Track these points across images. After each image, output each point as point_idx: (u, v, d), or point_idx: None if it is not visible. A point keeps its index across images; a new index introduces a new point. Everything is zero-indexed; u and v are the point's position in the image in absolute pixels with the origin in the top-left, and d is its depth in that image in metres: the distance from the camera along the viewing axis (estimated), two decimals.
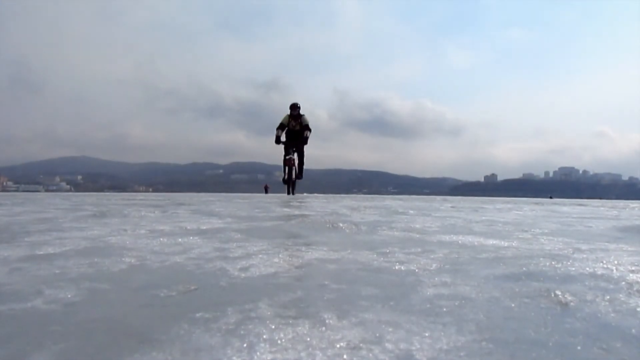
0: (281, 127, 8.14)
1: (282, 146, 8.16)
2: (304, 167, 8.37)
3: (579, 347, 0.48)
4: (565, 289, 0.72)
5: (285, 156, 8.02)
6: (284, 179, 8.11)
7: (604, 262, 0.97)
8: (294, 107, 8.32)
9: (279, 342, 0.48)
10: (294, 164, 8.05)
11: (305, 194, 7.24)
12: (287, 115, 8.19)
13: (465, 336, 0.51)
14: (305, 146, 8.17)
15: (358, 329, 0.52)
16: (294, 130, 8.13)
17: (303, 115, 8.21)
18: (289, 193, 7.98)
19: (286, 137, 8.12)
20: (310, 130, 8.10)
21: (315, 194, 7.14)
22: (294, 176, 8.10)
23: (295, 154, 8.10)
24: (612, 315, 0.60)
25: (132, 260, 0.94)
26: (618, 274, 0.84)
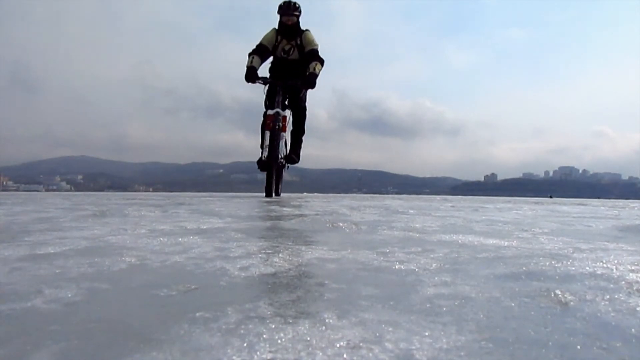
0: (260, 51, 4.24)
1: (262, 91, 4.26)
2: (303, 139, 4.44)
3: (578, 347, 0.48)
4: (565, 289, 0.72)
5: (266, 111, 4.21)
6: (260, 160, 4.21)
7: (604, 261, 0.97)
8: (288, 10, 4.20)
9: (279, 341, 0.48)
10: (283, 129, 4.23)
11: (305, 194, 7.09)
12: (274, 30, 4.29)
13: (465, 336, 0.51)
14: (309, 91, 4.28)
15: (358, 329, 0.52)
16: (288, 60, 4.30)
17: (306, 31, 4.27)
18: (269, 193, 4.16)
19: (272, 71, 4.36)
20: (321, 61, 4.19)
21: (315, 194, 7.06)
22: (281, 156, 4.27)
23: (288, 111, 4.31)
24: (612, 314, 0.60)
25: (132, 260, 0.94)
26: (618, 274, 0.84)
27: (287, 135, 4.41)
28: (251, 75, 4.21)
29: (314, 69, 4.18)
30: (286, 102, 4.38)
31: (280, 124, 4.23)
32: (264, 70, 4.41)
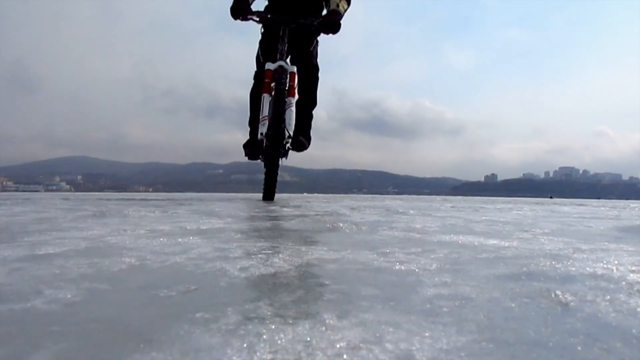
0: None
1: (254, 35, 3.08)
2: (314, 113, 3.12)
3: (579, 347, 0.48)
4: (565, 289, 0.72)
5: (262, 66, 2.97)
6: (253, 141, 3.03)
7: (604, 262, 0.97)
8: None
9: (278, 342, 0.48)
10: (291, 92, 2.91)
11: (305, 194, 7.04)
12: None
13: (466, 336, 0.51)
14: (327, 34, 2.88)
15: (358, 329, 0.52)
16: None
17: None
18: (269, 193, 3.00)
19: (271, 10, 3.02)
20: None
21: (315, 194, 7.03)
22: (286, 134, 2.94)
23: (292, 67, 2.97)
24: (613, 315, 0.59)
25: (132, 260, 0.94)
26: (618, 274, 0.84)
27: (293, 97, 2.91)
28: (242, 8, 2.76)
29: (337, 5, 2.81)
30: (292, 52, 2.99)
31: (288, 84, 2.80)
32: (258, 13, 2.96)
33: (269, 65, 2.89)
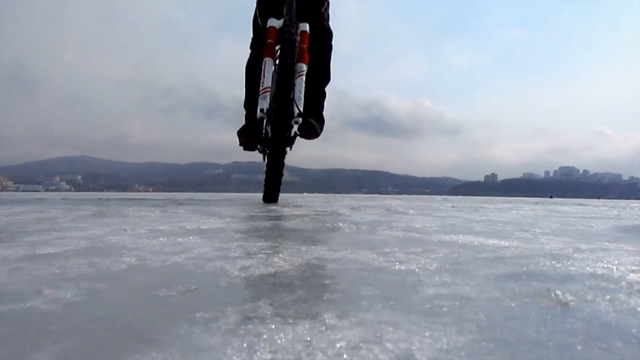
0: None
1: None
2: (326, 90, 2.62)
3: (579, 347, 0.48)
4: (565, 289, 0.72)
5: (262, 25, 2.34)
6: (244, 128, 2.57)
7: (605, 261, 0.97)
8: None
9: (278, 341, 0.48)
10: (303, 58, 2.24)
11: (305, 194, 7.02)
12: None
13: (466, 336, 0.51)
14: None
15: (358, 329, 0.52)
16: None
17: None
18: (271, 194, 2.47)
19: None
20: None
21: (315, 194, 7.01)
22: (296, 111, 2.19)
23: (304, 25, 2.30)
24: (613, 315, 0.59)
25: (132, 260, 0.94)
26: (618, 274, 0.84)
27: (303, 62, 2.24)
28: None
29: None
30: (300, 12, 2.31)
31: (298, 45, 2.17)
32: None
33: (273, 22, 2.24)
